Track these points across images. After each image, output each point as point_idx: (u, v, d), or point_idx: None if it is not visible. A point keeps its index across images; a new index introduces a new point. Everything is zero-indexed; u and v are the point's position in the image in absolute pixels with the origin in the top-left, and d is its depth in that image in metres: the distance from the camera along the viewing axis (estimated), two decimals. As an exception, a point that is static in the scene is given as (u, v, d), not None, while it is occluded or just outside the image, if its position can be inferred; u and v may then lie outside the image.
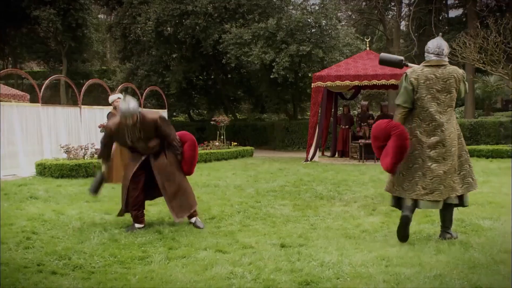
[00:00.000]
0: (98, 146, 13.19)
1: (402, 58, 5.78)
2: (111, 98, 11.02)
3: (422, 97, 5.19)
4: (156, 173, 5.98)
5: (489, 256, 4.58)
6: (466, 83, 5.39)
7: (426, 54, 5.35)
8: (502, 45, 17.59)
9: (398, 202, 5.39)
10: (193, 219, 6.14)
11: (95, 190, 6.26)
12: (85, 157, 12.45)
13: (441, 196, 5.11)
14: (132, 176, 5.99)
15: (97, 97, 30.07)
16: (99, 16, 39.17)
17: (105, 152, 6.29)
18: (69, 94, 32.69)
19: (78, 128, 14.54)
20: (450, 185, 5.14)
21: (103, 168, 6.27)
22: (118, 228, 5.92)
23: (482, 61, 18.39)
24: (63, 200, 8.08)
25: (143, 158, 6.04)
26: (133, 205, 6.00)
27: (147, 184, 6.12)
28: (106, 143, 6.22)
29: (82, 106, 14.89)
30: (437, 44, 5.35)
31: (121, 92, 15.19)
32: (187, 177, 6.32)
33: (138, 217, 6.02)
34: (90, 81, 17.09)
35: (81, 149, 12.56)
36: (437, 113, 5.17)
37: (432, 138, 5.15)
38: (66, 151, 12.25)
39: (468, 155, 5.40)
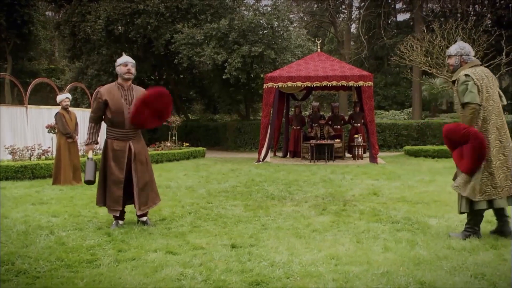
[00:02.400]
0: (45, 147, 12.90)
1: None
2: (59, 97, 10.77)
3: (483, 96, 5.22)
4: (134, 158, 5.94)
5: (433, 252, 4.74)
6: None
7: (468, 57, 5.43)
8: (446, 49, 18.20)
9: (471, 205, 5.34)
10: (144, 218, 6.12)
11: (93, 176, 6.04)
12: (32, 158, 12.08)
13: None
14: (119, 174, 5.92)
15: (45, 96, 29.24)
16: (47, 13, 38.00)
17: (95, 133, 6.12)
18: (15, 94, 31.62)
19: (24, 128, 14.08)
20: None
21: (90, 154, 6.18)
22: (65, 231, 5.77)
23: (428, 64, 19.00)
24: (7, 203, 7.80)
25: (126, 154, 5.92)
26: (118, 203, 5.96)
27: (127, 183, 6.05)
28: (98, 117, 6.02)
29: (29, 106, 14.43)
30: (469, 46, 5.54)
31: (69, 92, 14.84)
32: None
33: (122, 214, 6.14)
34: (37, 80, 16.58)
35: (27, 150, 12.18)
36: (494, 111, 5.28)
37: (492, 136, 5.22)
38: (11, 152, 11.85)
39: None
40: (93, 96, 6.27)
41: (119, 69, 6.01)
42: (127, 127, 5.93)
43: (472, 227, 5.32)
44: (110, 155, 5.95)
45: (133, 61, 6.08)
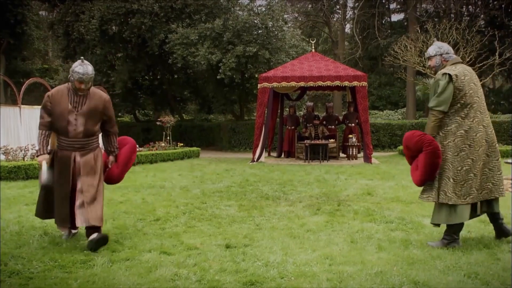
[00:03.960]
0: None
1: None
2: (52, 97, 10.70)
3: (466, 93, 4.96)
4: (79, 171, 5.16)
5: (427, 252, 4.76)
6: None
7: (448, 55, 5.23)
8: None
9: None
10: (95, 235, 5.02)
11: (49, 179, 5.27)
12: (25, 159, 12.03)
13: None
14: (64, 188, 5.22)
15: (39, 96, 29.10)
16: (40, 12, 37.86)
17: (44, 141, 5.20)
18: (8, 93, 31.47)
19: (18, 128, 14.01)
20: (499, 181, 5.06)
21: (44, 166, 5.19)
22: (59, 232, 5.74)
23: (422, 64, 19.06)
24: (0, 204, 7.76)
25: (71, 166, 5.18)
26: (66, 221, 5.29)
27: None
28: (46, 124, 5.19)
29: (22, 106, 14.36)
30: (447, 45, 5.41)
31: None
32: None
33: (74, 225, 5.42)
34: (30, 80, 16.51)
35: (21, 150, 12.13)
36: (479, 108, 5.02)
37: (478, 135, 4.96)
38: (4, 153, 11.79)
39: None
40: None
41: (73, 81, 5.14)
42: (71, 136, 5.17)
43: (451, 236, 5.01)
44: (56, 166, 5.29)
45: (92, 74, 5.17)
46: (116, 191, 8.89)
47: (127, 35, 23.32)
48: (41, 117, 5.21)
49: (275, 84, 16.22)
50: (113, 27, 24.29)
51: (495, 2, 30.29)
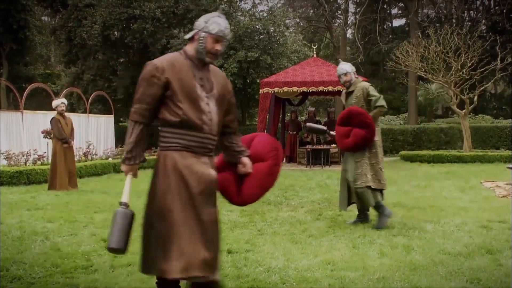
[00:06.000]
0: (40, 152, 12.85)
1: (325, 128, 7.26)
2: (55, 103, 10.74)
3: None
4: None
5: (429, 257, 4.74)
6: None
7: (355, 73, 6.55)
8: (442, 55, 18.28)
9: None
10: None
11: (125, 242, 3.24)
12: (27, 164, 12.05)
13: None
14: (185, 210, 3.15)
15: (41, 101, 29.14)
16: (43, 18, 37.99)
17: (142, 141, 3.22)
18: (10, 99, 31.52)
19: (20, 133, 14.05)
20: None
21: (129, 184, 3.35)
22: (61, 237, 5.75)
23: (423, 70, 19.04)
24: (2, 209, 7.76)
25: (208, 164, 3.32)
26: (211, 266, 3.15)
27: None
28: (148, 112, 3.18)
29: (24, 111, 14.40)
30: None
31: (65, 97, 14.81)
32: None
33: None
34: (33, 85, 16.58)
35: (23, 155, 12.15)
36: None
37: (378, 136, 6.39)
38: (7, 158, 11.82)
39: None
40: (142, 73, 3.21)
41: (203, 39, 3.27)
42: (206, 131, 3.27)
43: (366, 214, 6.58)
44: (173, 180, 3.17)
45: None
46: (118, 196, 8.88)
47: (129, 40, 23.38)
48: (140, 100, 3.20)
49: (276, 89, 16.24)
50: (115, 33, 24.35)
51: (497, 8, 30.34)
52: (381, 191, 6.33)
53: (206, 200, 3.23)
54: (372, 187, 6.17)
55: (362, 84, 6.46)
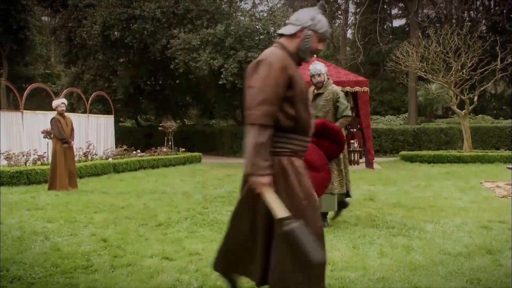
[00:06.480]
0: (40, 152, 12.84)
1: None
2: (55, 103, 10.74)
3: None
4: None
5: (429, 258, 4.74)
6: None
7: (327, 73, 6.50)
8: (442, 55, 18.28)
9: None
10: None
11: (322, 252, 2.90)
12: (27, 164, 12.05)
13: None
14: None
15: (41, 102, 29.16)
16: (43, 18, 37.99)
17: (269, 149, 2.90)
18: (10, 99, 31.53)
19: (20, 133, 14.05)
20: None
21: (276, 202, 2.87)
22: (61, 237, 5.75)
23: (424, 70, 19.05)
24: (2, 209, 7.76)
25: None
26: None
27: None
28: (274, 115, 2.86)
29: (24, 111, 14.40)
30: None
31: (65, 97, 14.81)
32: None
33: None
34: (33, 85, 16.57)
35: (23, 155, 12.14)
36: None
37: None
38: (6, 158, 11.81)
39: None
40: (260, 69, 2.83)
41: (307, 38, 2.99)
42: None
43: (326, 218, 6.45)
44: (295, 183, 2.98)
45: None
46: (118, 196, 8.90)
47: (129, 40, 23.37)
48: (268, 102, 2.82)
49: (276, 90, 16.21)
50: (115, 33, 24.36)
51: (497, 8, 30.34)
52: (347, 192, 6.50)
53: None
54: (335, 192, 6.24)
55: (334, 89, 6.40)
